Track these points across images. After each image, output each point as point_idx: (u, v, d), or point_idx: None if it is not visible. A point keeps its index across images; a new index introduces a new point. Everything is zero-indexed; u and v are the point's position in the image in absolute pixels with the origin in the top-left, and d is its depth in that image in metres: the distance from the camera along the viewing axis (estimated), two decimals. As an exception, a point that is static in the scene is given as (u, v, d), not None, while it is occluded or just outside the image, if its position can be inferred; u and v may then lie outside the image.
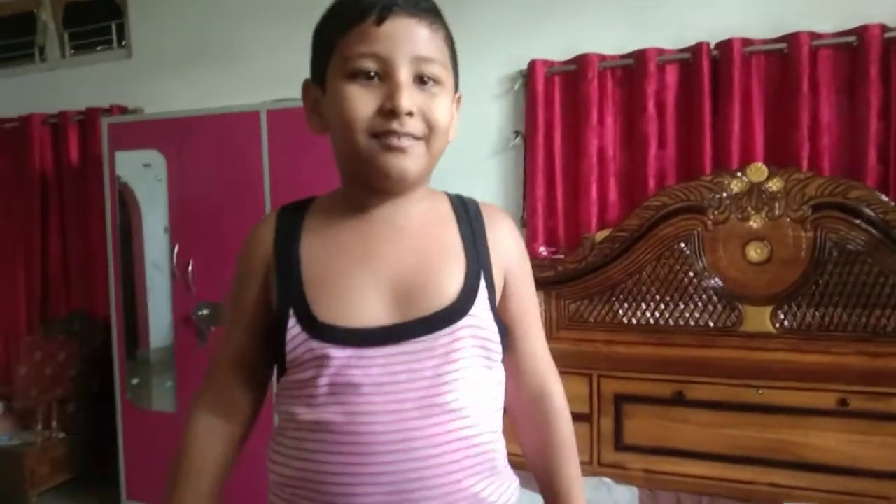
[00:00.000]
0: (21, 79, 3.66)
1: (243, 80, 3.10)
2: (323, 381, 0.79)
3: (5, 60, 3.80)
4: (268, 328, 0.84)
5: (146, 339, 3.16)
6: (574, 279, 2.46)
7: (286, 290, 0.82)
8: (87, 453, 3.27)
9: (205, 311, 2.72)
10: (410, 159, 0.80)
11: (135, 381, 3.01)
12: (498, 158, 2.74)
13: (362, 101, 0.78)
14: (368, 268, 0.83)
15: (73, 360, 3.27)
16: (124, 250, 2.99)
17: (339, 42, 0.79)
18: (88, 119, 3.34)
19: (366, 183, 0.83)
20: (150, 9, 3.34)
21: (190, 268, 2.74)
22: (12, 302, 3.53)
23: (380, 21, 0.77)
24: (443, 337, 0.80)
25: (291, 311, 0.81)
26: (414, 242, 0.85)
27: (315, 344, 0.80)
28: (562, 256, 2.53)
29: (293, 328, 0.81)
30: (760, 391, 2.18)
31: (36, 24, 3.67)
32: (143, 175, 2.94)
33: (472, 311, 0.82)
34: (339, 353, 0.79)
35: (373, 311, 0.81)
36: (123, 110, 3.29)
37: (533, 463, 0.95)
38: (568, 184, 2.59)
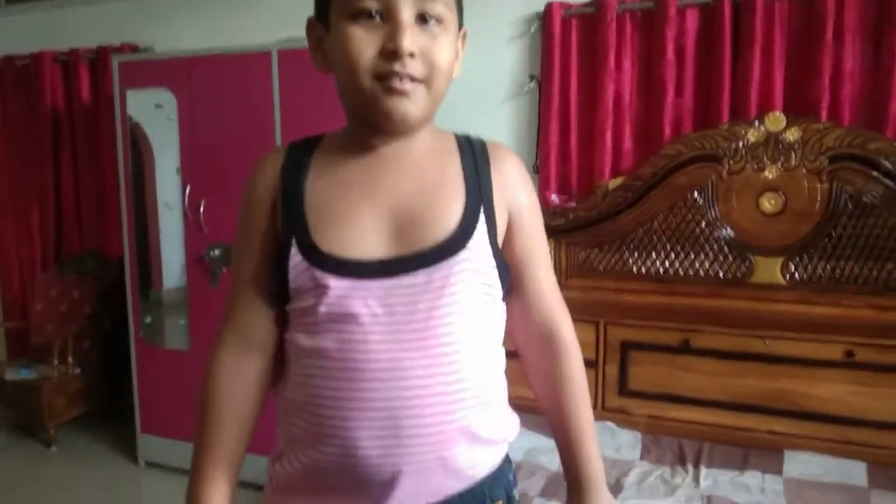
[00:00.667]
0: (32, 16, 3.62)
1: (255, 19, 3.04)
2: (322, 309, 0.81)
3: (16, -2, 3.75)
4: (274, 257, 0.86)
5: (159, 279, 3.20)
6: (585, 227, 2.45)
7: (290, 220, 0.84)
8: (102, 388, 3.35)
9: (216, 252, 2.74)
10: (412, 102, 0.80)
11: (148, 319, 3.05)
12: (512, 103, 2.70)
13: (364, 43, 0.78)
14: (370, 201, 0.84)
15: (87, 297, 3.32)
16: (136, 190, 3.00)
17: None
18: (99, 57, 3.31)
19: (369, 123, 0.83)
20: (161, -56, 3.28)
21: (202, 208, 2.75)
22: (27, 240, 3.57)
23: None
24: (439, 271, 0.81)
25: (294, 240, 0.83)
26: (415, 178, 0.85)
27: (315, 272, 0.81)
28: (574, 204, 2.52)
29: (295, 256, 0.82)
30: (767, 342, 2.19)
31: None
32: (155, 115, 2.93)
33: (469, 246, 0.83)
34: (337, 283, 0.81)
35: (372, 242, 0.82)
36: (134, 49, 3.26)
37: (544, 404, 0.96)
38: (582, 130, 2.56)
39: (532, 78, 2.64)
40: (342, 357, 0.80)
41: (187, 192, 2.78)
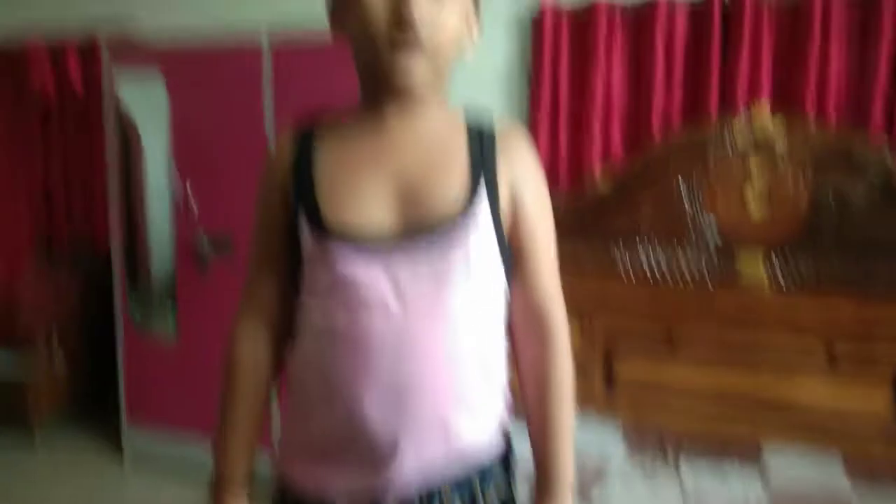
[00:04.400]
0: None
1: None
2: (329, 276, 0.85)
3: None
4: (288, 229, 0.90)
5: (147, 267, 3.19)
6: (573, 219, 2.47)
7: (300, 193, 0.88)
8: (88, 379, 3.34)
9: (206, 240, 2.74)
10: (417, 71, 0.83)
11: (135, 307, 3.05)
12: (502, 95, 2.71)
13: (375, 7, 0.82)
14: (376, 175, 0.87)
15: (74, 285, 3.31)
16: (124, 178, 2.98)
17: None
18: (88, 39, 3.27)
19: (380, 88, 0.86)
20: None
21: (191, 195, 2.74)
22: (15, 228, 3.54)
23: None
24: (441, 243, 0.84)
25: (304, 212, 0.86)
26: (422, 153, 0.88)
27: (323, 242, 0.85)
28: (561, 195, 2.53)
29: (304, 228, 0.86)
30: (750, 337, 2.22)
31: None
32: (144, 100, 2.91)
33: (472, 221, 0.85)
34: (343, 252, 0.84)
35: (378, 215, 0.85)
36: (120, 27, 3.19)
37: (526, 392, 0.97)
38: (572, 123, 2.58)
39: (523, 70, 2.66)
40: (348, 323, 0.84)
41: (177, 179, 2.77)
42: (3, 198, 3.55)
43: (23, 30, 3.38)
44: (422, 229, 0.84)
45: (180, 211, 2.78)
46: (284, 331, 0.94)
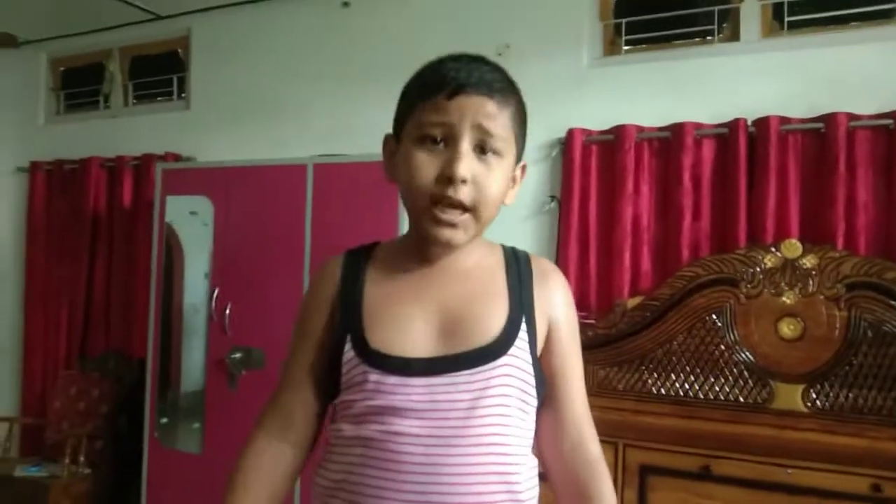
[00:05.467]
0: (85, 124, 3.87)
1: (293, 135, 3.23)
2: (369, 402, 0.87)
3: (73, 107, 4.03)
4: (329, 353, 0.93)
5: (178, 381, 3.22)
6: (604, 345, 2.47)
7: (346, 319, 0.92)
8: (111, 490, 3.29)
9: (238, 355, 2.77)
10: (459, 231, 0.88)
11: (164, 420, 3.05)
12: (533, 221, 2.79)
13: (425, 167, 0.87)
14: (420, 305, 0.91)
15: (106, 397, 3.34)
16: (165, 293, 3.08)
17: (417, 107, 0.88)
18: (143, 164, 3.50)
19: (423, 238, 0.92)
20: (211, 64, 3.54)
21: (227, 311, 2.81)
22: (54, 336, 3.64)
23: (451, 95, 0.86)
24: (482, 372, 0.87)
25: (349, 337, 0.90)
26: (463, 286, 0.93)
27: (365, 368, 0.88)
28: (592, 322, 2.54)
29: (348, 352, 0.89)
30: (790, 471, 2.13)
31: (104, 73, 3.90)
32: (189, 220, 3.06)
33: (510, 352, 0.88)
34: (385, 379, 0.87)
35: (421, 342, 0.88)
36: (177, 158, 3.45)
37: None
38: (601, 250, 2.62)
39: (553, 198, 2.74)
40: (382, 447, 0.85)
41: (215, 295, 2.85)
42: (48, 308, 3.67)
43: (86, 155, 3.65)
44: (461, 356, 0.87)
45: (215, 325, 2.84)
46: (303, 453, 0.96)
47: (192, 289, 3.12)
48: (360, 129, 3.07)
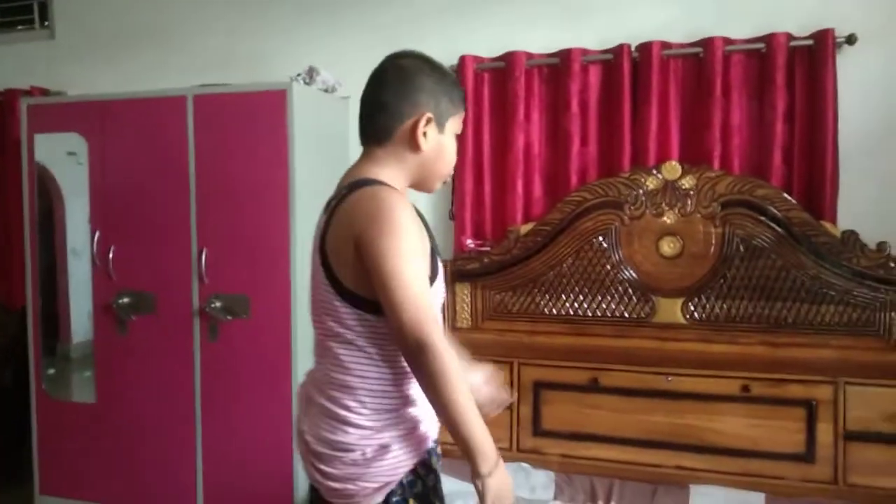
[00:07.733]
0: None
1: (170, 64, 3.05)
2: (443, 288, 1.34)
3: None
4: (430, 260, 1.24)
5: (66, 329, 3.06)
6: (499, 271, 2.53)
7: (432, 241, 1.28)
8: (2, 445, 3.15)
9: (126, 300, 2.66)
10: None
11: (51, 371, 2.91)
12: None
13: (455, 155, 1.35)
14: None
15: (-13, 348, 3.15)
16: (45, 238, 2.89)
17: (457, 114, 1.32)
18: (7, 100, 3.22)
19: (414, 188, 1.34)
20: (75, -11, 3.25)
21: (111, 255, 2.68)
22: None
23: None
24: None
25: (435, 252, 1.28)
26: None
27: (439, 277, 1.28)
28: (488, 249, 2.59)
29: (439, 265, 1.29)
30: (670, 378, 2.28)
31: (-48, 0, 3.52)
32: (65, 160, 2.85)
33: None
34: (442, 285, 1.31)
35: None
36: (44, 92, 3.19)
37: None
38: (495, 179, 2.65)
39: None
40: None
41: (96, 238, 2.70)
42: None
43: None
44: None
45: (99, 269, 2.70)
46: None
47: (75, 233, 2.94)
48: (245, 57, 2.93)
